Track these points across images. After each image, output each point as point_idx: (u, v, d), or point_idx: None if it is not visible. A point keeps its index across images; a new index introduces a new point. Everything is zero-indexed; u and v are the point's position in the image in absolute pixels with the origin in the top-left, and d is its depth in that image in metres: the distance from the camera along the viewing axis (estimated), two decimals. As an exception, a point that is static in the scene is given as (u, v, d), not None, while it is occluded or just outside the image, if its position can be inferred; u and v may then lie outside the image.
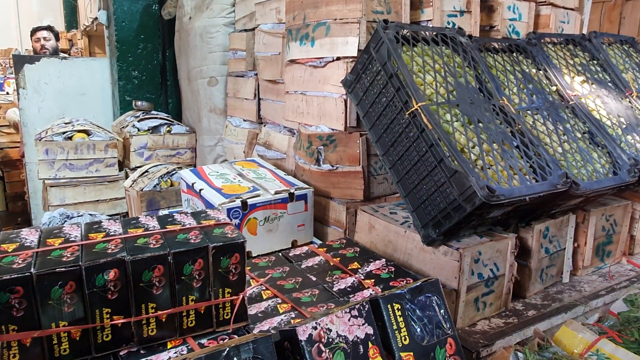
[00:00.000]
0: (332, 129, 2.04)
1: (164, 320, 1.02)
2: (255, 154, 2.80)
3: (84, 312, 0.95)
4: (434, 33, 1.80)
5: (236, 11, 3.12)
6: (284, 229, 1.97)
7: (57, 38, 4.93)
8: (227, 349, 0.91)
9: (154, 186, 3.13)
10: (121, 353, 1.00)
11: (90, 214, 2.87)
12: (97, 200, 3.52)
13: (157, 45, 4.09)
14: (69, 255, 0.97)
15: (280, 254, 1.57)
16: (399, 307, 1.16)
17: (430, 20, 2.03)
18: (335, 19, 1.97)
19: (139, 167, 3.47)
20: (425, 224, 1.55)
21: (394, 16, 1.98)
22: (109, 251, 0.99)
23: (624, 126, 1.99)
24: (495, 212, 1.53)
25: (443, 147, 1.45)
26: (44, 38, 4.66)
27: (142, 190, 3.09)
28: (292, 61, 2.22)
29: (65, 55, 5.15)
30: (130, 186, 3.20)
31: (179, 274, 1.01)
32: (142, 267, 0.98)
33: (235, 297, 1.08)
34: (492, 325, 1.63)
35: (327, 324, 1.05)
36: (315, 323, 1.03)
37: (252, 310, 1.20)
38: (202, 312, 1.06)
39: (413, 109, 1.52)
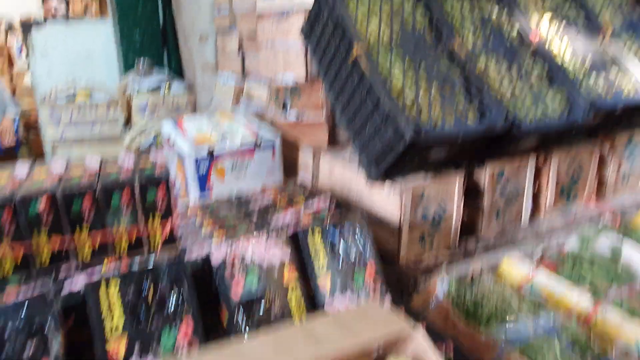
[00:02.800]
0: (296, 80, 2.10)
1: (97, 247, 1.16)
2: (241, 107, 2.89)
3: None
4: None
5: (218, -33, 3.14)
6: (252, 176, 2.08)
7: (67, 2, 5.05)
8: (139, 269, 1.04)
9: (150, 144, 3.28)
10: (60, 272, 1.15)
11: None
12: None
13: (157, 4, 4.15)
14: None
15: (234, 198, 1.68)
16: (319, 235, 1.25)
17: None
18: (294, -31, 2.00)
19: (141, 126, 3.62)
20: (368, 165, 1.62)
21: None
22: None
23: (588, 68, 1.96)
24: (436, 153, 1.59)
25: (379, 91, 1.49)
26: (54, 4, 4.79)
27: (139, 148, 3.25)
28: (261, 16, 2.27)
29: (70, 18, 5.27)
30: (129, 144, 3.37)
31: (107, 205, 1.13)
32: (71, 198, 1.10)
33: (166, 224, 1.20)
34: (438, 261, 1.71)
35: (241, 248, 1.15)
36: (230, 245, 1.14)
37: (187, 240, 1.33)
38: (134, 241, 1.19)
39: (354, 56, 1.56)
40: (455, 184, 1.71)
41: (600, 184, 2.25)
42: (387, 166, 1.54)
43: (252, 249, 1.16)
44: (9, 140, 3.96)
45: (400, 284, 1.60)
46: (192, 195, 1.98)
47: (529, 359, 1.10)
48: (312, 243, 1.23)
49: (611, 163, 2.20)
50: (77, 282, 1.08)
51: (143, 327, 1.01)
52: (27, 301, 0.93)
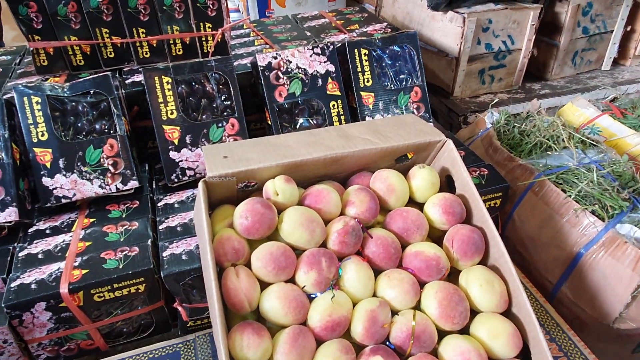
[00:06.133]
0: None
1: (154, 45, 1.22)
2: None
3: (88, 30, 1.17)
4: None
5: None
6: (313, 3, 2.01)
7: None
8: (191, 63, 1.10)
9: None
10: (124, 69, 1.25)
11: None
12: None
13: None
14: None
15: (290, 16, 1.65)
16: (366, 53, 1.23)
17: None
18: None
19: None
20: (432, -13, 1.49)
21: None
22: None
23: None
24: (511, -27, 1.42)
25: None
26: None
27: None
28: None
29: None
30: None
31: (160, 3, 1.17)
32: (127, -7, 1.14)
33: (216, 32, 1.23)
34: (495, 98, 1.64)
35: (287, 56, 1.17)
36: (276, 53, 1.16)
37: (240, 50, 1.36)
38: (188, 42, 1.24)
39: None
40: (529, 15, 1.55)
41: None
42: (453, -13, 1.41)
43: (298, 58, 1.17)
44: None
45: (452, 118, 1.59)
46: (252, 19, 1.97)
47: (563, 184, 1.10)
48: (358, 59, 1.22)
49: None
50: (137, 75, 1.17)
51: (193, 118, 1.10)
52: (93, 79, 1.03)
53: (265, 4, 1.96)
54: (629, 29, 1.76)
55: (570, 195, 1.05)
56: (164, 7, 1.17)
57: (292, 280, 0.82)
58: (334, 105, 1.20)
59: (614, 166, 1.14)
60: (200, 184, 0.84)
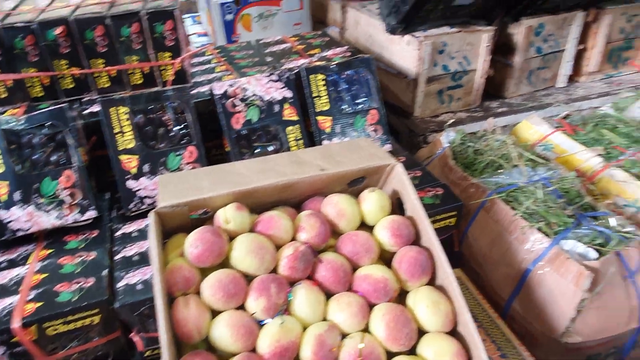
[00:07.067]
0: None
1: (114, 75, 1.24)
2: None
3: (46, 62, 1.19)
4: None
5: None
6: (279, 27, 2.05)
7: None
8: (147, 92, 1.12)
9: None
10: (84, 99, 1.26)
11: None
12: None
13: None
14: (32, 15, 1.17)
15: (253, 42, 1.68)
16: (323, 78, 1.27)
17: None
18: None
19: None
20: (388, 13, 1.54)
21: None
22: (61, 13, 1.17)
23: None
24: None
25: None
26: None
27: None
28: None
29: None
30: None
31: (118, 35, 1.19)
32: (84, 26, 1.16)
33: (174, 60, 1.25)
34: (454, 117, 1.69)
35: (243, 84, 1.20)
36: (232, 82, 1.19)
37: (201, 77, 1.39)
38: (147, 72, 1.26)
39: None
40: (483, 37, 1.61)
41: (661, 48, 2.02)
42: (407, 13, 1.46)
43: (254, 85, 1.20)
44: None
45: (412, 138, 1.63)
46: (220, 44, 2.00)
47: (513, 202, 1.14)
48: (315, 85, 1.25)
49: (678, 25, 1.95)
50: (96, 106, 1.19)
51: (151, 148, 1.12)
52: (49, 111, 1.05)
53: (231, 29, 2.00)
54: (581, 47, 1.83)
55: (517, 213, 1.09)
56: (122, 39, 1.19)
57: (242, 307, 0.83)
58: (291, 131, 1.22)
59: (561, 183, 1.18)
60: (151, 214, 0.85)
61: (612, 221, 1.06)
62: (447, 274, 0.87)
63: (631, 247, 1.01)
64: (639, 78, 1.92)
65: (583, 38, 1.82)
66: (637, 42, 1.90)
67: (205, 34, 2.31)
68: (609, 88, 1.87)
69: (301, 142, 1.23)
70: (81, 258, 1.01)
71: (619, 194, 1.26)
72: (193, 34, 2.40)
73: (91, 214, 1.07)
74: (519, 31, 1.66)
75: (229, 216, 0.88)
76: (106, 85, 1.25)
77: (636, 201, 1.23)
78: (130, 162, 1.10)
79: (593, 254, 0.99)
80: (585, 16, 1.75)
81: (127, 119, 1.10)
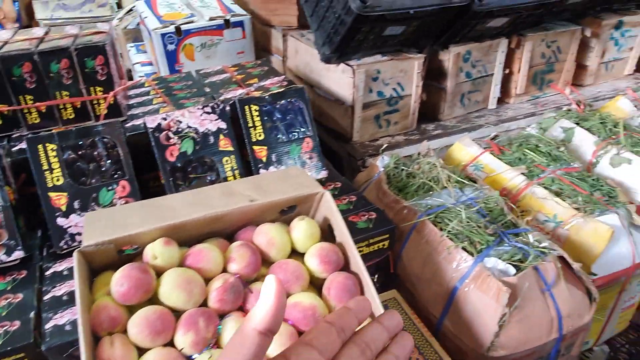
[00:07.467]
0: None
1: (44, 110, 1.23)
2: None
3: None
4: None
5: None
6: (222, 56, 2.08)
7: None
8: (77, 128, 1.12)
9: (137, 24, 3.23)
10: (14, 136, 1.24)
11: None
12: (94, 41, 3.69)
13: None
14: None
15: (193, 72, 1.70)
16: (257, 109, 1.30)
17: None
18: None
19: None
20: (323, 43, 1.60)
21: None
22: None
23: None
24: (392, 30, 1.55)
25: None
26: None
27: (125, 28, 3.21)
28: None
29: None
30: (117, 25, 3.32)
31: (47, 71, 1.18)
32: (11, 63, 1.15)
33: (107, 95, 1.26)
34: (392, 140, 1.76)
35: (177, 117, 1.22)
36: (166, 115, 1.20)
37: (137, 109, 1.39)
38: (79, 106, 1.25)
39: None
40: (414, 64, 1.69)
41: (581, 71, 2.19)
42: (340, 43, 1.53)
43: (188, 117, 1.22)
44: (12, 25, 3.92)
45: (351, 162, 1.68)
46: (163, 73, 2.01)
47: (440, 223, 1.19)
48: (249, 115, 1.28)
49: (594, 49, 2.12)
50: (24, 143, 1.17)
51: (82, 184, 1.11)
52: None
53: (174, 59, 2.01)
54: (507, 71, 1.95)
55: (444, 234, 1.14)
56: (51, 74, 1.19)
57: (172, 343, 0.83)
58: (227, 161, 1.24)
59: (486, 202, 1.25)
60: (75, 254, 0.85)
61: (530, 237, 1.13)
62: (373, 297, 0.91)
63: (547, 261, 1.08)
64: (562, 99, 2.06)
65: (508, 63, 1.94)
66: (557, 65, 2.05)
67: (150, 63, 2.30)
68: (535, 109, 1.99)
69: (237, 172, 1.25)
70: (7, 301, 0.98)
71: (540, 210, 1.35)
72: (137, 63, 2.40)
73: (18, 254, 1.05)
74: (448, 57, 1.76)
75: (156, 252, 0.89)
76: (36, 121, 1.24)
77: (555, 216, 1.31)
78: (60, 200, 1.09)
79: (512, 270, 1.05)
80: (508, 43, 1.88)
81: (55, 156, 1.09)
